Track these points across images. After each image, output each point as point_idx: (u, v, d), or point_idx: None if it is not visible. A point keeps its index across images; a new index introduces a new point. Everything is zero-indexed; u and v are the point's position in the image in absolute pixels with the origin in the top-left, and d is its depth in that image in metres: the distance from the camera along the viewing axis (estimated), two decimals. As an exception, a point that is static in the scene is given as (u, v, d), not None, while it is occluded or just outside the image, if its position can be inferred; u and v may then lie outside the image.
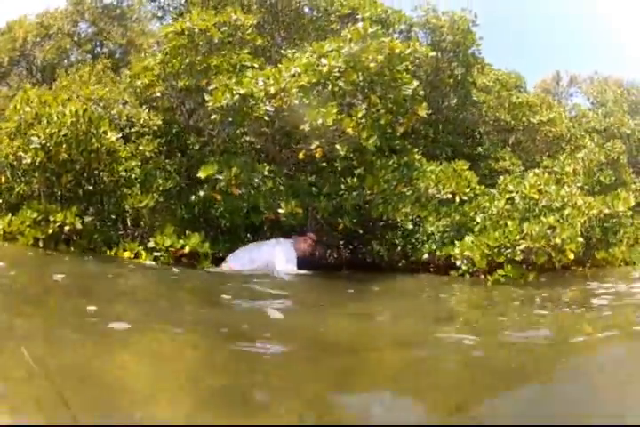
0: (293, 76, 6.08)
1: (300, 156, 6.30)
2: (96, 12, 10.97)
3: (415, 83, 6.69)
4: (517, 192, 6.64)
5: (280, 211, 6.33)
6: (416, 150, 7.40)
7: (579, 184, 7.32)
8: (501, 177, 7.43)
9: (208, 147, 7.81)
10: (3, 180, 6.14)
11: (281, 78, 6.08)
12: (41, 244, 5.41)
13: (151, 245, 5.82)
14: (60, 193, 6.04)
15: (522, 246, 5.77)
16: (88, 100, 6.57)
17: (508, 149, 9.33)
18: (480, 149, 9.17)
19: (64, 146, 5.82)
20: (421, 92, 6.87)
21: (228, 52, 6.91)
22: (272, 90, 6.01)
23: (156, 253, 5.79)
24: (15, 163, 6.01)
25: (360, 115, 6.03)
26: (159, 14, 8.71)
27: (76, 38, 11.00)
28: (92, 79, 9.08)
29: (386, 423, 1.93)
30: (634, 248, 7.43)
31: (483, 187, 7.16)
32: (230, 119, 6.38)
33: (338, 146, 6.05)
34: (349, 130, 5.93)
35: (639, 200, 7.37)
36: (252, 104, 6.12)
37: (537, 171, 7.35)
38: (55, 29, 10.95)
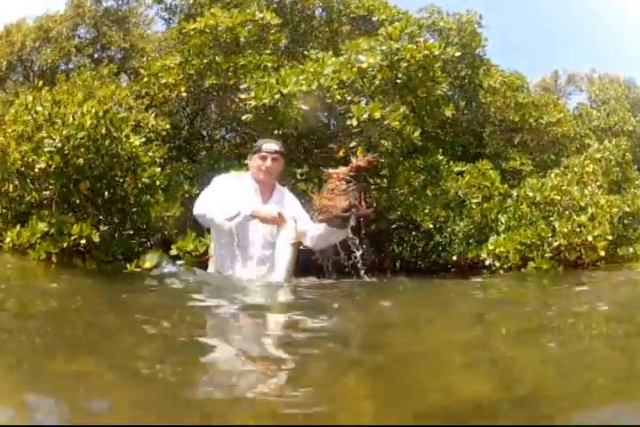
0: (335, 72, 5.20)
1: (341, 153, 5.49)
2: (96, 15, 9.75)
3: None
4: (540, 192, 6.11)
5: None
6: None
7: (598, 183, 6.69)
8: (527, 178, 6.82)
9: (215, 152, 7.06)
10: (11, 188, 4.95)
11: (320, 76, 5.23)
12: (54, 258, 4.31)
13: (173, 252, 4.77)
14: (77, 201, 4.90)
15: (556, 244, 5.49)
16: (105, 102, 5.41)
17: (514, 149, 8.54)
18: (489, 149, 8.40)
19: (82, 150, 4.68)
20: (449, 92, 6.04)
21: (253, 52, 5.95)
22: (311, 88, 5.14)
23: (178, 262, 4.72)
24: (23, 169, 4.82)
25: (402, 110, 5.33)
26: (166, 16, 7.61)
27: (76, 42, 9.74)
28: (95, 84, 7.90)
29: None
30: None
31: (506, 186, 6.69)
32: (270, 118, 5.39)
33: (383, 141, 5.29)
34: (396, 123, 5.22)
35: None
36: (287, 103, 5.23)
37: (557, 171, 6.67)
38: (55, 33, 9.68)
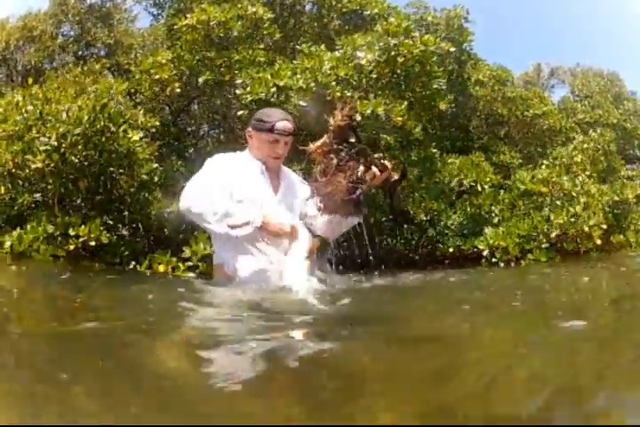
0: (332, 68, 4.99)
1: None
2: (80, 12, 9.40)
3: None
4: (531, 184, 6.15)
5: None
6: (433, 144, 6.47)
7: (587, 173, 6.65)
8: (517, 170, 6.89)
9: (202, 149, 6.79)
10: (2, 190, 4.68)
11: (317, 72, 5.00)
12: (62, 261, 4.04)
13: (186, 254, 4.53)
14: (77, 201, 4.65)
15: (553, 235, 5.46)
16: (102, 96, 5.13)
17: (501, 142, 8.44)
18: (478, 142, 8.27)
19: (79, 147, 4.44)
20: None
21: (246, 47, 5.72)
22: (309, 85, 4.92)
23: (189, 263, 4.49)
24: (14, 170, 4.54)
25: (404, 106, 5.10)
26: (155, 12, 7.33)
27: (60, 40, 9.38)
28: (86, 80, 7.59)
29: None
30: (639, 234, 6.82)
31: (499, 177, 6.67)
32: None
33: (386, 136, 5.13)
34: (399, 119, 5.01)
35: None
36: (284, 98, 5.00)
37: (546, 162, 6.62)
38: (39, 32, 9.33)
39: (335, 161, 2.99)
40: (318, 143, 3.05)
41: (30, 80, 5.36)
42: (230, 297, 2.95)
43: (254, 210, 3.06)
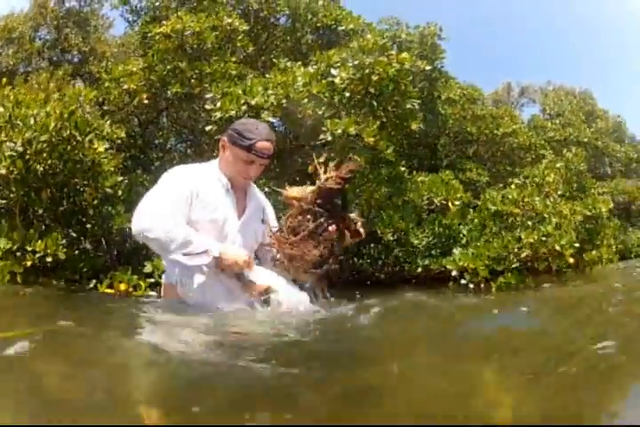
0: (305, 85, 4.83)
1: (311, 168, 5.09)
2: (59, 15, 9.16)
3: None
4: (502, 204, 6.05)
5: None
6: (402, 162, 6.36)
7: (560, 192, 6.69)
8: (487, 190, 6.84)
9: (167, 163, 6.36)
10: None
11: (289, 88, 4.83)
12: (19, 279, 3.76)
13: (148, 269, 4.37)
14: (38, 212, 4.43)
15: (523, 255, 5.38)
16: (71, 102, 4.90)
17: (469, 160, 8.41)
18: (446, 160, 8.22)
19: (44, 154, 4.23)
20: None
21: (218, 59, 5.56)
22: (281, 102, 4.75)
23: (150, 280, 4.32)
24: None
25: (376, 126, 4.97)
26: (130, 18, 7.13)
27: (38, 43, 9.14)
28: (50, 86, 7.36)
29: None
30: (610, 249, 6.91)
31: (469, 195, 6.60)
32: None
33: (356, 157, 4.93)
34: (370, 139, 4.85)
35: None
36: (254, 115, 4.82)
37: (517, 182, 6.57)
38: (18, 34, 9.06)
39: (311, 225, 2.55)
40: (297, 194, 2.60)
41: (4, 80, 5.12)
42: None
43: (211, 238, 2.72)
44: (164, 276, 3.03)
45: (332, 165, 2.63)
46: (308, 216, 2.57)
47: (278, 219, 3.02)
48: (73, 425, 1.19)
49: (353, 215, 2.75)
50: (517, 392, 1.54)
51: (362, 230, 2.78)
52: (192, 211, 2.74)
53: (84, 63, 9.38)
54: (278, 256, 2.63)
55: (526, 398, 1.47)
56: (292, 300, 2.68)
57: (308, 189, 2.63)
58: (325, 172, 2.62)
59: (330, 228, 2.59)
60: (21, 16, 9.66)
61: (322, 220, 2.56)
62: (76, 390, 1.50)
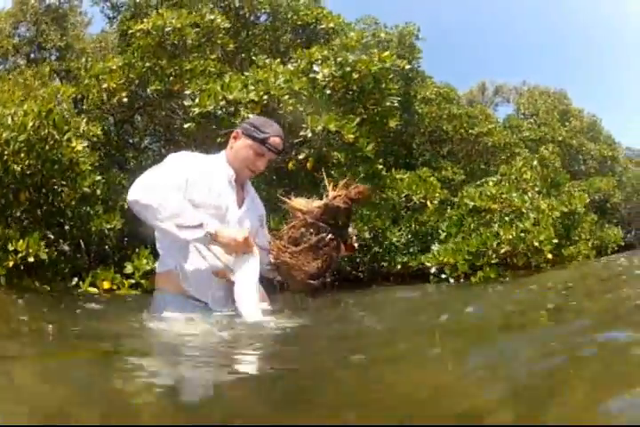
0: (286, 82, 4.72)
1: (290, 166, 5.00)
2: (38, 12, 8.90)
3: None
4: (479, 200, 5.96)
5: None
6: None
7: (537, 189, 6.63)
8: (464, 187, 6.83)
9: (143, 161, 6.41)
10: None
11: (270, 84, 4.72)
12: (2, 281, 3.63)
13: (128, 270, 4.23)
14: (17, 214, 4.27)
15: (503, 251, 5.32)
16: (49, 100, 4.73)
17: (444, 159, 8.37)
18: (421, 159, 8.17)
19: (22, 155, 4.06)
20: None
21: (198, 56, 5.42)
22: (262, 98, 4.63)
23: (131, 280, 4.19)
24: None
25: (355, 123, 4.89)
26: (111, 15, 6.94)
27: (15, 41, 8.88)
28: (35, 83, 7.14)
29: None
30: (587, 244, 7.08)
31: (446, 191, 6.61)
32: (214, 127, 4.79)
33: (337, 153, 4.85)
34: (350, 136, 4.77)
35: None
36: (233, 111, 4.72)
37: (494, 179, 6.54)
38: (-2, 31, 8.80)
39: (314, 239, 2.50)
40: (303, 206, 2.54)
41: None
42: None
43: (211, 218, 2.57)
44: (157, 265, 2.86)
45: (341, 183, 2.55)
46: (312, 230, 2.51)
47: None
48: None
49: (350, 230, 2.71)
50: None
51: (355, 245, 2.77)
52: (197, 193, 2.62)
53: (62, 60, 9.16)
54: (274, 262, 2.55)
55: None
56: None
57: (315, 204, 2.55)
58: (334, 189, 2.54)
59: (331, 243, 2.53)
60: (2, 13, 9.41)
61: (324, 235, 2.50)
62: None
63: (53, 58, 9.42)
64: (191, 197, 2.59)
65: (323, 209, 2.51)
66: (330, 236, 2.51)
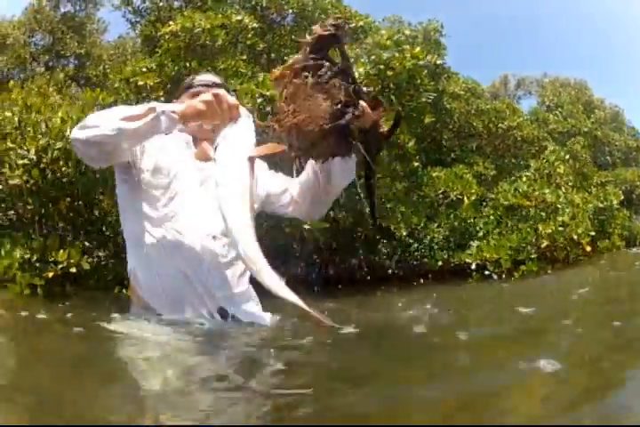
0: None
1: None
2: (54, 20, 8.80)
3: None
4: (514, 198, 6.09)
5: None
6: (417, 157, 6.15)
7: (570, 183, 6.73)
8: (499, 183, 6.74)
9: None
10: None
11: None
12: (40, 291, 3.40)
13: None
14: (57, 223, 4.11)
15: (543, 245, 5.44)
16: (89, 107, 4.54)
17: (472, 154, 8.19)
18: (452, 155, 7.98)
19: (60, 162, 3.88)
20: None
21: (228, 57, 5.28)
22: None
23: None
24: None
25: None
26: (133, 20, 6.82)
27: (32, 49, 8.78)
28: (50, 90, 7.04)
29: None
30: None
31: (482, 189, 6.52)
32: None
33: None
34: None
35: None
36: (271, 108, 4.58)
37: (528, 174, 6.45)
38: (12, 40, 8.68)
39: (311, 80, 1.83)
40: (289, 62, 1.91)
41: (11, 83, 4.80)
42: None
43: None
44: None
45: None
46: (306, 73, 1.86)
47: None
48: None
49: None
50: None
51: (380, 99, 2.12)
52: (148, 158, 2.16)
53: (81, 67, 9.07)
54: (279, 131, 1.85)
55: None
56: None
57: (297, 55, 1.93)
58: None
59: (334, 80, 1.85)
60: (14, 22, 9.32)
61: (323, 69, 1.85)
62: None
63: (71, 66, 9.36)
64: (143, 164, 2.15)
65: (306, 48, 1.89)
66: (332, 69, 1.85)
